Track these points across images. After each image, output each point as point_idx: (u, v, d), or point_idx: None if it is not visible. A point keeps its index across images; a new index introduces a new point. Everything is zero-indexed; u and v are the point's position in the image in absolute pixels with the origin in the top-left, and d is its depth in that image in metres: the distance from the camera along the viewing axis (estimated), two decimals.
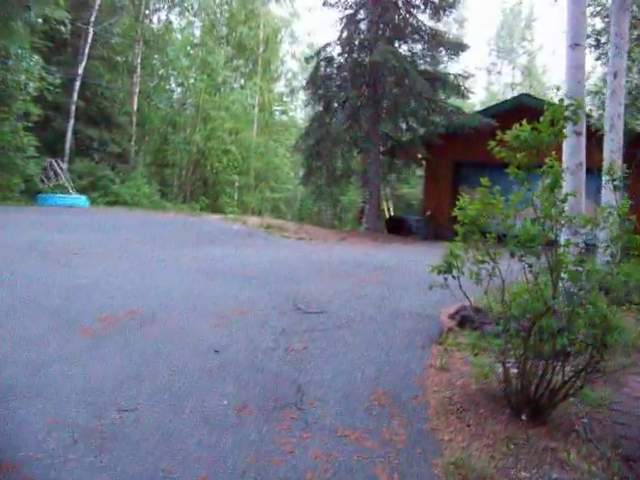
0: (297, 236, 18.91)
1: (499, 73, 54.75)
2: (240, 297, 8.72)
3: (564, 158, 8.89)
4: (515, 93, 47.58)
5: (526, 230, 5.20)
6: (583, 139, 8.94)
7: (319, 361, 6.18)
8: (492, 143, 5.39)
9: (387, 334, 7.38)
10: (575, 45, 8.87)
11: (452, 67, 27.25)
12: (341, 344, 6.82)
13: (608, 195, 8.98)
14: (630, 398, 6.12)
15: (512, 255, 5.28)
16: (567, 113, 5.34)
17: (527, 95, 26.17)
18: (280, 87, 41.84)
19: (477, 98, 31.32)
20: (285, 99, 41.10)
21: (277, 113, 39.76)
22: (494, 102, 33.79)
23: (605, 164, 10.47)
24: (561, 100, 5.37)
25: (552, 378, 5.17)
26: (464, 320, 8.26)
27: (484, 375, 6.04)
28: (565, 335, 4.92)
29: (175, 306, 7.93)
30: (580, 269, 5.08)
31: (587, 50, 20.75)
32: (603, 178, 9.82)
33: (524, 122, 5.23)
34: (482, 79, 54.15)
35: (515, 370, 5.48)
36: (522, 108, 22.73)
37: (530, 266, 5.45)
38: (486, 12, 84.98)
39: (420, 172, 30.08)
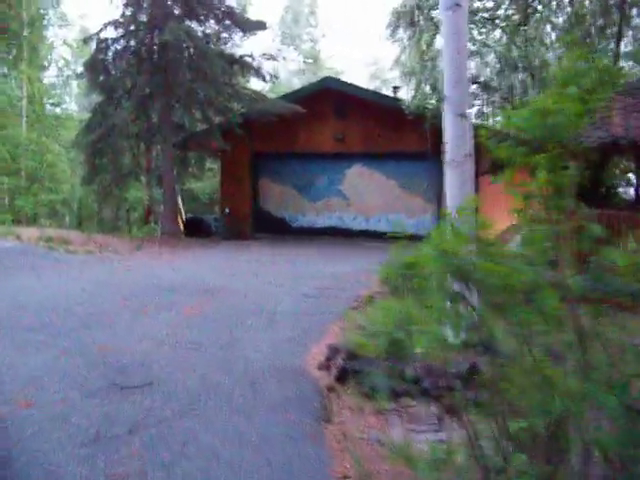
0: (85, 249, 15.92)
1: (284, 59, 53.28)
2: (22, 367, 5.93)
3: (447, 148, 6.94)
4: (304, 80, 46.33)
5: None
6: (468, 123, 7.01)
7: None
8: (484, 133, 3.17)
9: (251, 416, 5.01)
10: (455, 6, 6.91)
11: (239, 51, 24.90)
12: (193, 450, 4.35)
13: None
14: None
15: None
16: None
17: (332, 79, 24.61)
18: (51, 77, 37.74)
19: (260, 84, 29.45)
20: (58, 90, 37.02)
21: (49, 106, 35.60)
22: (294, 88, 32.15)
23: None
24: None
25: None
26: (345, 372, 6.08)
27: None
28: None
29: None
30: None
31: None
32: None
33: None
34: (267, 66, 52.34)
35: None
36: (327, 92, 21.18)
37: None
38: None
39: (211, 164, 27.89)
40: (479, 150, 6.79)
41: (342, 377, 6.02)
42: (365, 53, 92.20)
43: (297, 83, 48.04)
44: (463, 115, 6.86)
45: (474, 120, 16.50)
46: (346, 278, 12.25)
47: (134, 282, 11.30)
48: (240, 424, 4.84)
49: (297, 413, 5.15)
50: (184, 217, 26.26)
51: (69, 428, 4.60)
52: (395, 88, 25.43)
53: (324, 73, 44.29)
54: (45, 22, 34.78)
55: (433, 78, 17.08)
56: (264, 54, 22.22)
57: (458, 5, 6.90)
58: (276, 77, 23.12)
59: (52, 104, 35.94)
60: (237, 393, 5.49)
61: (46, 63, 37.08)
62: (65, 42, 38.39)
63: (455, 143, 6.86)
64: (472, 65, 18.33)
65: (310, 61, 55.50)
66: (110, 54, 20.93)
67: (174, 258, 15.65)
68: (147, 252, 16.69)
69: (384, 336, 3.58)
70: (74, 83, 37.51)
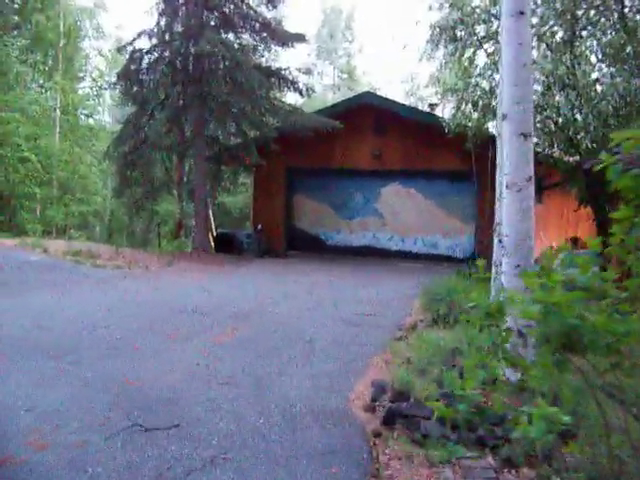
0: (113, 263, 15.46)
1: (320, 74, 52.95)
2: (39, 401, 5.41)
3: (506, 170, 6.35)
4: (339, 95, 45.89)
5: None
6: (531, 143, 6.40)
7: None
8: (607, 158, 2.57)
9: (291, 468, 4.42)
10: (519, 14, 6.31)
11: (276, 64, 24.33)
12: None
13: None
14: None
15: None
16: None
17: (371, 94, 24.06)
18: (85, 88, 37.45)
19: (295, 98, 28.89)
20: (91, 101, 36.72)
21: (83, 116, 35.32)
22: (328, 103, 31.71)
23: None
24: None
25: None
26: (392, 416, 5.46)
27: None
28: None
29: None
30: None
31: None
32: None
33: None
34: (303, 80, 51.49)
35: None
36: (365, 108, 20.71)
37: None
38: (305, 10, 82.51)
39: (243, 179, 27.40)
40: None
41: (389, 420, 5.42)
42: (401, 69, 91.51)
43: (331, 98, 47.64)
44: (526, 135, 6.25)
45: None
46: (386, 303, 11.67)
47: (164, 302, 10.79)
48: (279, 477, 4.27)
49: (342, 464, 4.56)
50: (215, 232, 25.79)
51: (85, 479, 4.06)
52: (432, 105, 24.85)
53: (359, 88, 43.85)
54: (81, 33, 34.70)
55: (477, 96, 16.45)
56: (300, 68, 21.72)
57: (522, 13, 6.30)
58: (313, 91, 22.48)
59: (85, 115, 35.73)
60: (275, 438, 4.91)
61: (81, 74, 37.01)
62: (100, 53, 38.35)
63: (516, 165, 6.26)
64: None
65: (345, 76, 55.13)
66: (144, 64, 20.51)
67: (206, 276, 15.12)
68: (178, 269, 16.17)
69: (464, 401, 2.98)
70: (107, 94, 37.34)
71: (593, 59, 17.16)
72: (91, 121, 36.31)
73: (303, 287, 13.62)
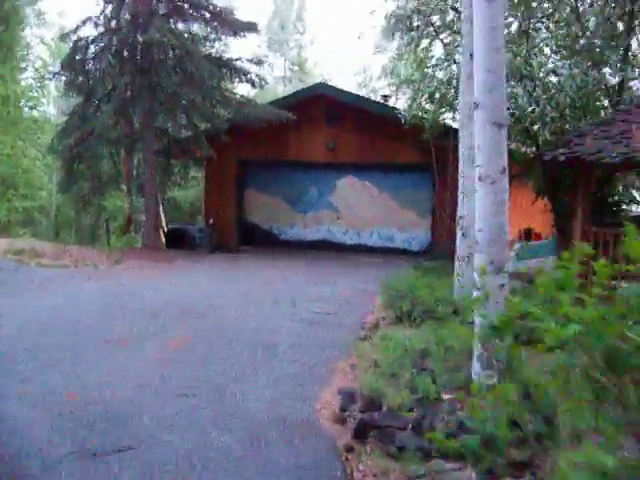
0: (59, 262, 14.78)
1: (271, 66, 52.03)
2: None
3: (479, 161, 5.98)
4: (290, 88, 45.36)
5: None
6: (505, 133, 6.03)
7: None
8: None
9: None
10: None
11: (227, 54, 23.67)
12: None
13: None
14: None
15: None
16: None
17: (325, 85, 23.53)
18: (28, 78, 36.17)
19: (246, 90, 28.19)
20: (35, 92, 35.52)
21: (26, 108, 34.11)
22: (279, 95, 31.22)
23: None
24: None
25: None
26: (364, 427, 5.05)
27: None
28: None
29: None
30: None
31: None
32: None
33: None
34: (254, 71, 50.27)
35: None
36: (319, 98, 20.34)
37: None
38: (256, 1, 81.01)
39: (194, 172, 26.76)
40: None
41: (361, 433, 5.00)
42: (353, 61, 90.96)
43: (282, 90, 47.10)
44: (500, 124, 5.89)
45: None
46: (346, 300, 11.25)
47: (113, 304, 10.21)
48: None
49: None
50: (166, 227, 25.11)
51: None
52: (385, 97, 24.55)
53: (311, 80, 43.31)
54: (21, 20, 33.40)
55: (433, 87, 16.16)
56: (252, 59, 21.18)
57: None
58: (265, 82, 21.92)
59: (29, 107, 34.55)
60: (239, 456, 4.47)
61: (23, 64, 35.67)
62: (42, 41, 37.09)
63: (489, 157, 5.90)
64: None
65: (296, 68, 54.54)
66: (89, 53, 19.72)
67: (157, 274, 14.53)
68: (128, 266, 15.50)
69: (475, 434, 2.58)
70: (52, 85, 36.23)
71: (547, 51, 17.08)
72: (35, 113, 35.18)
73: (258, 284, 13.16)
